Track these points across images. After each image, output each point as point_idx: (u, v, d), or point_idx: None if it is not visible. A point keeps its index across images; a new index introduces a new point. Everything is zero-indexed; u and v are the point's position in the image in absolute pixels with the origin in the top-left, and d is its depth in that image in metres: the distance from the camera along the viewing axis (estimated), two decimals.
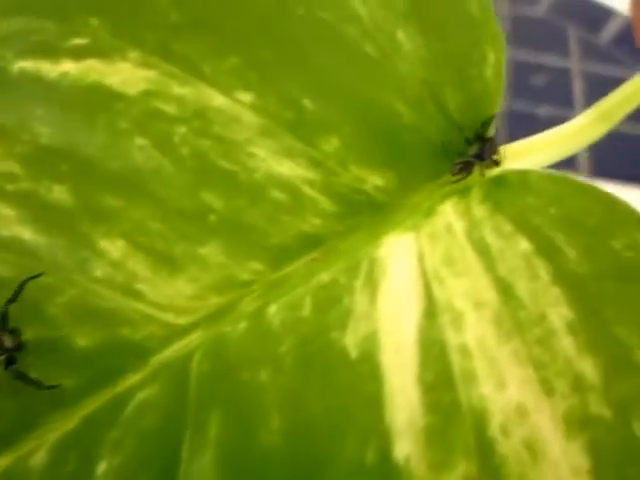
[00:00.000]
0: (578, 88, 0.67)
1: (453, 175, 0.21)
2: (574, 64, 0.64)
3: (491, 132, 0.22)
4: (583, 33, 0.67)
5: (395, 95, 0.21)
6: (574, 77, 0.67)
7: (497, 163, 0.21)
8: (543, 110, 0.65)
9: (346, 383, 0.19)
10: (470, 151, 0.21)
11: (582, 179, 0.21)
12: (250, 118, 0.21)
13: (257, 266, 0.20)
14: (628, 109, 0.25)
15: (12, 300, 0.19)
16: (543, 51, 0.66)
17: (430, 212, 0.21)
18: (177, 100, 0.21)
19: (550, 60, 0.66)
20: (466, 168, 0.21)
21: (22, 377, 0.18)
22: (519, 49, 0.68)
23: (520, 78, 0.64)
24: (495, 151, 0.21)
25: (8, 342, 0.18)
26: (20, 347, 0.18)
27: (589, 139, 0.25)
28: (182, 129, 0.21)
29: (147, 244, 0.20)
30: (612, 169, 0.73)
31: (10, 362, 0.18)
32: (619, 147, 0.70)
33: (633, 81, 0.26)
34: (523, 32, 0.68)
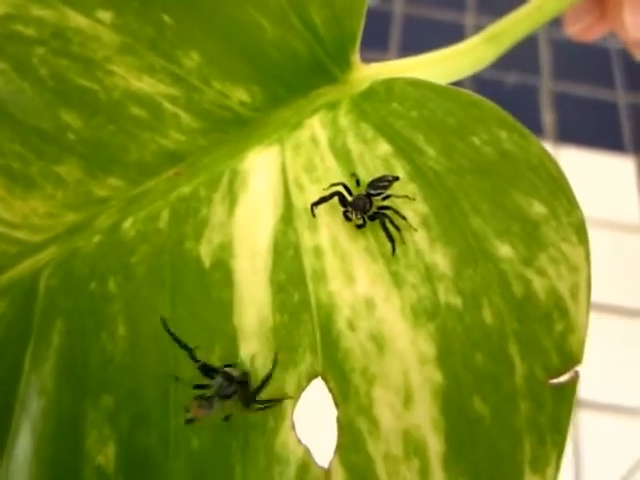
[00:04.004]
0: (545, 54, 0.67)
1: None
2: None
3: (355, 49, 0.21)
4: None
5: (258, 9, 0.21)
6: (541, 44, 0.67)
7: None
8: (512, 77, 0.65)
9: (197, 290, 0.18)
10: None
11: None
12: (109, 36, 0.20)
13: (116, 182, 0.20)
14: (516, 36, 0.25)
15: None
16: None
17: (297, 126, 0.21)
18: (36, 22, 0.20)
19: None
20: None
21: (270, 401, 0.16)
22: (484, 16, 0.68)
23: None
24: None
25: (236, 373, 0.17)
26: (246, 375, 0.17)
27: (477, 61, 0.24)
28: (41, 50, 0.20)
29: (4, 164, 0.19)
30: (577, 135, 0.72)
31: (252, 396, 0.16)
32: (584, 113, 0.69)
33: (522, 9, 0.25)
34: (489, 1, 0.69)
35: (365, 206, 0.18)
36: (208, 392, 0.16)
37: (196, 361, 0.17)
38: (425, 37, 0.70)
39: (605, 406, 0.68)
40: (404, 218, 0.18)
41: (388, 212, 0.18)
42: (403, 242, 0.18)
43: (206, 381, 0.17)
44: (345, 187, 0.19)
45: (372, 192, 0.18)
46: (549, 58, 0.71)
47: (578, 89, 0.66)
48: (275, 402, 0.16)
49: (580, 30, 0.31)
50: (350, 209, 0.18)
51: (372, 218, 0.18)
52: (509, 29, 0.25)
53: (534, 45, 0.73)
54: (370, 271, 0.17)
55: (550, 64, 0.70)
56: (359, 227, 0.18)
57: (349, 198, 0.18)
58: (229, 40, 0.21)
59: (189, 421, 0.16)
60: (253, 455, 0.16)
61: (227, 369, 0.17)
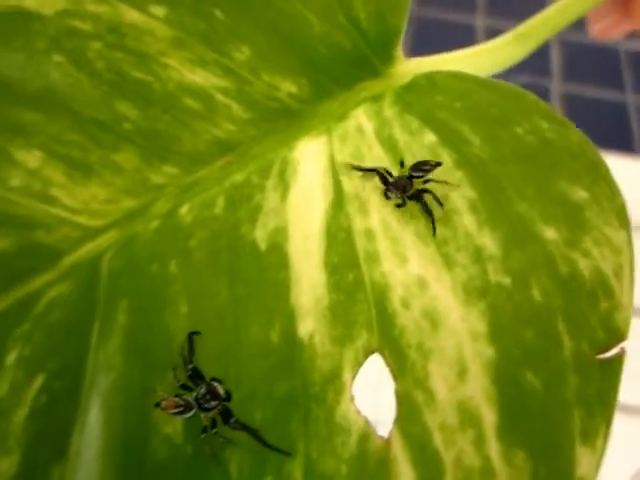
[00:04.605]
0: (555, 56, 0.68)
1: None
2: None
3: (398, 44, 0.22)
4: None
5: (305, 5, 0.22)
6: (552, 46, 0.68)
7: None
8: (523, 78, 0.66)
9: (254, 273, 0.19)
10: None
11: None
12: (163, 31, 0.21)
13: (171, 170, 0.20)
14: (545, 34, 0.26)
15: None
16: None
17: (343, 117, 0.21)
18: (92, 17, 0.21)
19: None
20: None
21: (245, 428, 0.16)
22: None
23: None
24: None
25: (221, 391, 0.17)
26: (230, 395, 0.17)
27: (507, 59, 0.25)
28: (97, 44, 0.21)
29: (63, 153, 0.20)
30: (587, 136, 0.73)
31: (228, 415, 0.17)
32: (594, 115, 0.70)
33: (553, 6, 0.26)
34: None
35: (405, 187, 0.19)
36: (189, 397, 0.17)
37: (188, 363, 0.17)
38: (436, 38, 0.71)
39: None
40: (441, 204, 0.19)
41: (427, 196, 0.19)
42: (445, 225, 0.18)
43: (192, 385, 0.17)
44: (387, 172, 0.20)
45: (414, 174, 0.19)
46: (560, 60, 0.72)
47: (588, 91, 0.67)
48: (253, 431, 0.16)
49: (602, 29, 0.32)
50: (391, 188, 0.19)
51: (411, 198, 0.19)
52: (538, 28, 0.26)
53: (545, 47, 0.74)
54: (421, 253, 0.18)
55: (561, 66, 0.71)
56: (398, 206, 0.19)
57: (390, 179, 0.19)
58: (278, 34, 0.22)
59: (157, 405, 0.17)
60: (314, 427, 0.17)
61: (214, 383, 0.17)
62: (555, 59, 0.71)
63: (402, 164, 0.20)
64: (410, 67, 0.22)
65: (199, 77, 0.21)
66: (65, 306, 0.19)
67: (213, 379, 0.17)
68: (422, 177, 0.19)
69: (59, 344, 0.18)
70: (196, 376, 0.17)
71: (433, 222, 0.18)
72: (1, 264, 0.19)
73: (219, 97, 0.21)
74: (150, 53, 0.21)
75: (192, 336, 0.18)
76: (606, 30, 0.32)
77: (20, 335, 0.18)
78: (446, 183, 0.19)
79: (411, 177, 0.19)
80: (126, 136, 0.21)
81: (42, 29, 0.21)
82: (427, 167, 0.19)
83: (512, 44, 0.25)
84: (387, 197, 0.19)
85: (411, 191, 0.19)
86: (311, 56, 0.22)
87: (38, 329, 0.18)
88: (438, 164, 0.19)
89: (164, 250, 0.19)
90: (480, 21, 0.74)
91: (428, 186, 0.19)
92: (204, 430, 0.16)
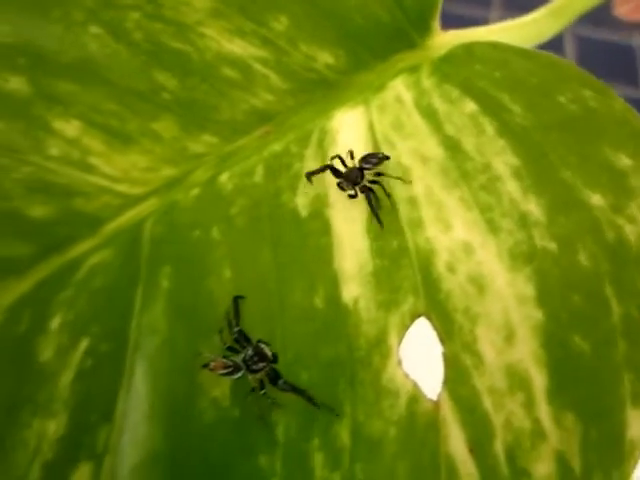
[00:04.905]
0: (570, 51, 0.68)
1: None
2: None
3: (436, 15, 0.22)
4: None
5: None
6: (566, 40, 0.68)
7: None
8: None
9: (296, 239, 0.19)
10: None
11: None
12: (201, 1, 0.21)
13: (210, 139, 0.20)
14: (577, 11, 0.26)
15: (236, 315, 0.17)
16: None
17: (380, 88, 0.21)
18: None
19: None
20: None
21: (293, 388, 0.17)
22: None
23: None
24: None
25: (268, 352, 0.17)
26: (276, 357, 0.17)
27: (540, 34, 0.25)
28: (135, 15, 0.21)
29: (102, 122, 0.20)
30: None
31: (276, 376, 0.17)
32: None
33: None
34: None
35: (357, 178, 0.19)
36: (237, 358, 0.17)
37: (234, 326, 0.17)
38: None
39: None
40: (389, 196, 0.19)
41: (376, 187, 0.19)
42: (488, 191, 0.18)
43: (238, 348, 0.17)
44: (341, 160, 0.20)
45: (364, 166, 0.19)
46: (573, 55, 0.72)
47: None
48: (301, 391, 0.16)
49: (630, 9, 0.32)
50: (342, 180, 0.19)
51: (363, 190, 0.19)
52: (571, 4, 0.25)
53: (559, 42, 0.74)
54: (466, 219, 0.18)
55: (575, 61, 0.70)
56: (351, 197, 0.19)
57: (342, 170, 0.19)
58: (315, 5, 0.22)
59: (205, 366, 0.17)
60: (361, 390, 0.17)
61: (261, 344, 0.17)
62: (569, 54, 0.71)
63: (351, 155, 0.20)
64: (446, 39, 0.22)
65: (237, 47, 0.21)
66: (107, 272, 0.19)
67: (259, 341, 0.17)
68: (371, 169, 0.19)
69: (102, 309, 0.18)
70: (242, 339, 0.17)
71: (377, 215, 0.18)
72: (42, 231, 0.19)
73: (257, 67, 0.21)
74: (188, 23, 0.21)
75: (237, 300, 0.17)
76: (633, 11, 0.32)
77: (63, 300, 0.18)
78: (399, 179, 0.19)
79: (362, 169, 0.19)
80: (165, 105, 0.21)
81: (79, 0, 0.21)
82: (375, 159, 0.19)
83: (545, 20, 0.25)
84: (341, 189, 0.19)
85: (362, 182, 0.19)
86: (348, 27, 0.22)
87: (81, 295, 0.18)
88: (386, 157, 0.19)
89: (206, 217, 0.19)
90: (495, 15, 0.74)
91: (379, 178, 0.19)
92: (252, 391, 0.16)
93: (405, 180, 0.19)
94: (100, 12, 0.21)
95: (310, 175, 0.19)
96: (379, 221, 0.18)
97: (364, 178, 0.19)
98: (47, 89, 0.21)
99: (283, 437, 0.16)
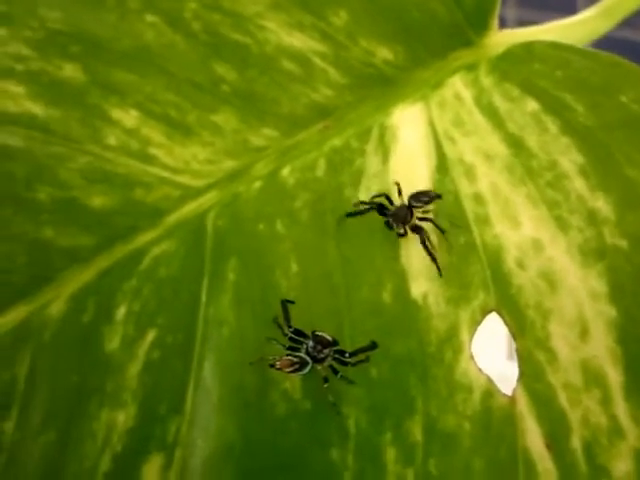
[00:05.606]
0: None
1: None
2: None
3: (494, 14, 0.22)
4: None
5: None
6: None
7: None
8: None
9: (361, 234, 0.19)
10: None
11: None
12: None
13: (270, 132, 0.20)
14: (627, 10, 0.26)
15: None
16: None
17: (439, 85, 0.21)
18: None
19: None
20: None
21: (361, 360, 0.17)
22: None
23: None
24: None
25: (328, 337, 0.17)
26: (336, 340, 0.17)
27: (591, 33, 0.25)
28: (193, 5, 0.21)
29: (161, 112, 0.20)
30: None
31: (342, 354, 0.17)
32: None
33: None
34: None
35: (406, 217, 0.18)
36: (300, 352, 0.17)
37: (288, 326, 0.17)
38: None
39: None
40: (443, 232, 0.18)
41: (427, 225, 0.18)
42: (554, 189, 0.18)
43: (297, 345, 0.17)
44: (387, 198, 0.19)
45: (414, 204, 0.19)
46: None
47: None
48: (364, 362, 0.17)
49: None
50: (390, 219, 0.18)
51: (413, 229, 0.18)
52: (621, 3, 0.26)
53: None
54: (533, 215, 0.18)
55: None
56: (400, 236, 0.18)
57: (390, 209, 0.19)
58: (374, 1, 0.22)
59: (272, 366, 0.17)
60: (433, 385, 0.17)
61: (318, 333, 0.17)
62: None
63: (399, 192, 0.19)
64: (503, 38, 0.22)
65: (297, 40, 0.21)
66: (171, 263, 0.19)
67: (314, 331, 0.17)
68: (421, 207, 0.19)
69: (168, 300, 0.18)
70: (298, 335, 0.17)
71: (434, 258, 0.18)
72: (103, 222, 0.19)
73: (317, 61, 0.21)
74: (247, 15, 0.21)
75: (286, 303, 0.17)
76: None
77: (128, 290, 0.18)
78: (453, 223, 0.18)
79: (410, 207, 0.19)
80: (224, 97, 0.20)
81: None
82: (426, 198, 0.19)
83: (596, 18, 0.25)
84: (389, 227, 0.18)
85: (412, 221, 0.18)
86: (406, 23, 0.22)
87: (145, 285, 0.18)
88: (438, 196, 0.19)
89: (269, 210, 0.19)
90: (511, 13, 0.74)
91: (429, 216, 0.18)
92: (325, 381, 0.16)
93: (456, 225, 0.18)
94: (156, 1, 0.21)
95: (351, 216, 0.19)
96: (436, 264, 0.18)
97: (413, 216, 0.18)
98: (102, 77, 0.20)
99: (354, 431, 0.16)
